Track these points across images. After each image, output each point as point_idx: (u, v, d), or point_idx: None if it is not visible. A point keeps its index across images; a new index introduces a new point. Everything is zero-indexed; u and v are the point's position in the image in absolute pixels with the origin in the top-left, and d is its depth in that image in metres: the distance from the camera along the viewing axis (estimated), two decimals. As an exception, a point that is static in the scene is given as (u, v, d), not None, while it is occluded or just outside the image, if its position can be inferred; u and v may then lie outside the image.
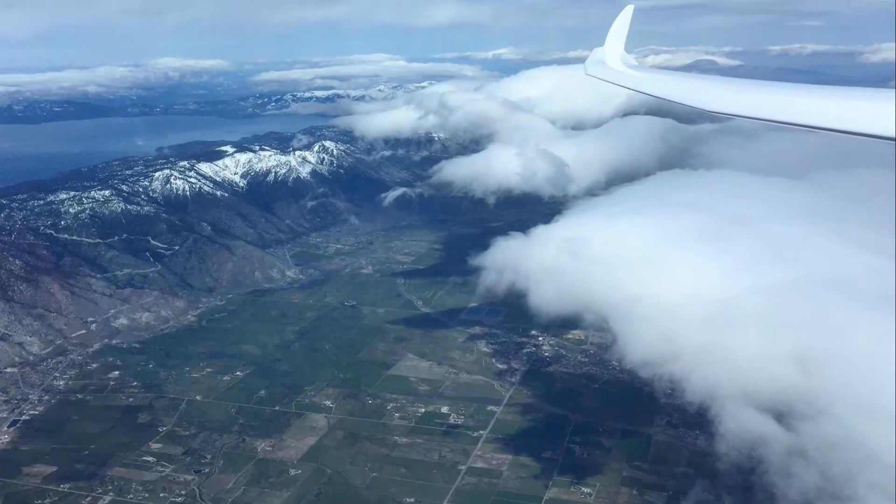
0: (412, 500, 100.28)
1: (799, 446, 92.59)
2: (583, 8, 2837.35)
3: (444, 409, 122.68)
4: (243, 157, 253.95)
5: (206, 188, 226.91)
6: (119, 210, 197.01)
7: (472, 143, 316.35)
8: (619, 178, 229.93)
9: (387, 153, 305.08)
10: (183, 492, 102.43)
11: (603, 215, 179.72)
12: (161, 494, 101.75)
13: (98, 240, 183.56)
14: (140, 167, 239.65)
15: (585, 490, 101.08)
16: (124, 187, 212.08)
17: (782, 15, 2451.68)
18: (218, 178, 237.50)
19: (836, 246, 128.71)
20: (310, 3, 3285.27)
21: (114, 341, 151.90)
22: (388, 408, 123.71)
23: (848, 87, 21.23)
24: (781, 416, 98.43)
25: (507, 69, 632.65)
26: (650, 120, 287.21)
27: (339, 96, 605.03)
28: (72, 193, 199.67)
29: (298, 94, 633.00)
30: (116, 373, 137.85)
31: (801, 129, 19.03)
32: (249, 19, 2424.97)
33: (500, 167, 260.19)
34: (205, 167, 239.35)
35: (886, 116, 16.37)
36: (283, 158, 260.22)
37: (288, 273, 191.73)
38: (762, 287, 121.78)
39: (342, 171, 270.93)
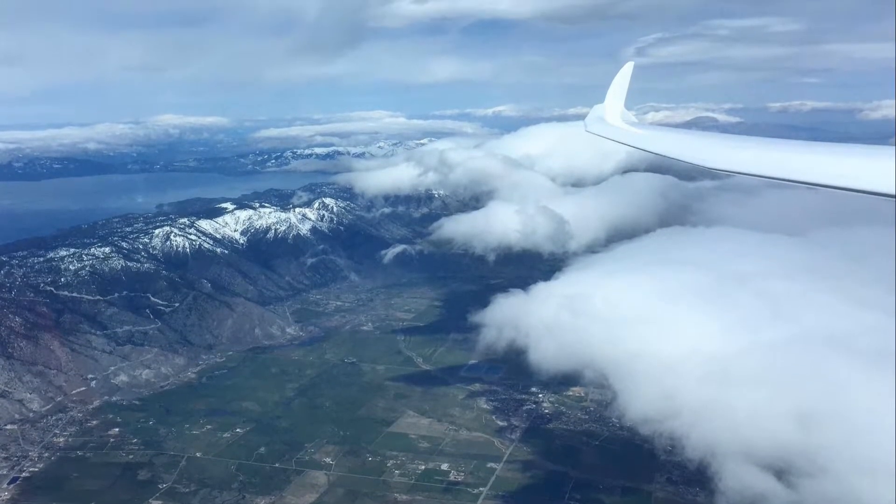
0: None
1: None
2: (582, 65, 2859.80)
3: (445, 467, 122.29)
4: (243, 214, 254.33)
5: (206, 245, 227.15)
6: (119, 267, 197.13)
7: (473, 200, 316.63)
8: (619, 235, 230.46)
9: (387, 210, 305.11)
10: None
11: (603, 272, 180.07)
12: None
13: (98, 297, 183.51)
14: (140, 224, 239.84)
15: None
16: (124, 244, 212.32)
17: (782, 72, 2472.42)
18: (218, 235, 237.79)
19: (836, 303, 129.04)
20: (310, 61, 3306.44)
21: (114, 398, 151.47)
22: (389, 465, 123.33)
23: (848, 144, 21.35)
24: (781, 473, 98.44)
25: (508, 126, 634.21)
26: (650, 177, 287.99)
27: (339, 153, 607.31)
28: (72, 250, 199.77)
29: (298, 151, 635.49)
30: (116, 430, 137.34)
31: (800, 186, 19.14)
32: (250, 76, 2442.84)
33: (500, 224, 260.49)
34: (205, 224, 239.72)
35: (886, 174, 16.42)
36: (284, 215, 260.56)
37: (288, 330, 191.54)
38: (762, 344, 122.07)
39: (342, 228, 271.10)
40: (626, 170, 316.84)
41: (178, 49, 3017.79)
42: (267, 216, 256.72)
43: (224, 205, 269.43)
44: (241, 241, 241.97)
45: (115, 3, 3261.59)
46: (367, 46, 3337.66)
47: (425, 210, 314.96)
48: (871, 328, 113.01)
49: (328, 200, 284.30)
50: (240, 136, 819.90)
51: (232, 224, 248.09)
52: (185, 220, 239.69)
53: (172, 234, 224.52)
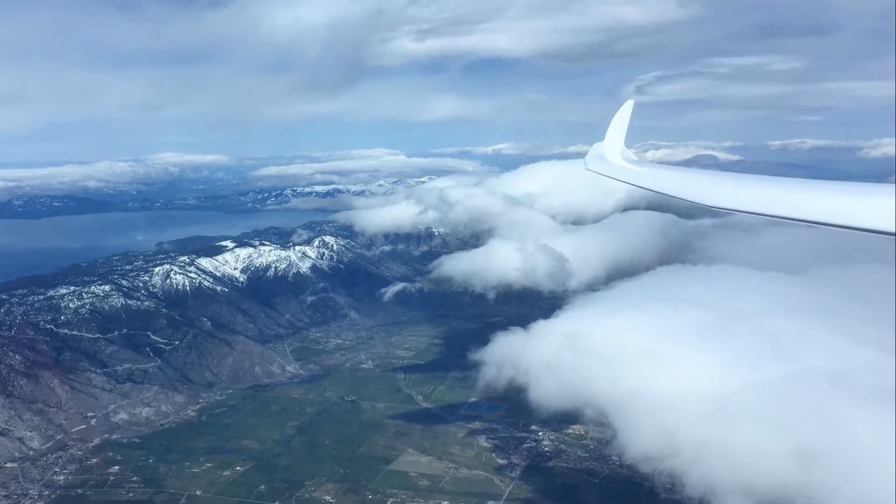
0: None
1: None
2: (582, 103, 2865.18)
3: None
4: (243, 252, 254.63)
5: (206, 283, 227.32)
6: (119, 305, 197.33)
7: (473, 238, 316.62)
8: (619, 273, 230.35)
9: (387, 248, 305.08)
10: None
11: (603, 310, 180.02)
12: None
13: (98, 335, 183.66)
14: (140, 262, 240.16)
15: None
16: (124, 282, 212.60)
17: (782, 110, 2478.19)
18: (218, 273, 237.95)
19: (836, 341, 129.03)
20: (310, 99, 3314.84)
21: (114, 436, 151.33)
22: (389, 503, 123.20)
23: (848, 182, 21.49)
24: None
25: (508, 164, 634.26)
26: (650, 215, 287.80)
27: (339, 191, 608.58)
28: (72, 288, 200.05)
29: (298, 189, 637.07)
30: (116, 468, 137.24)
31: (800, 224, 19.22)
32: (249, 114, 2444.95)
33: (500, 262, 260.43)
34: (205, 262, 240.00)
35: (886, 211, 16.49)
36: (284, 253, 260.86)
37: (288, 368, 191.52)
38: (762, 382, 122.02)
39: (342, 265, 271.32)
40: (626, 208, 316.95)
41: (178, 87, 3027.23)
42: (267, 254, 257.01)
43: (224, 243, 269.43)
44: (241, 279, 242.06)
45: (114, 42, 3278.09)
46: (367, 84, 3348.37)
47: (425, 248, 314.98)
48: (871, 366, 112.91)
49: (328, 238, 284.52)
50: (240, 174, 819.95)
51: (232, 262, 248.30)
52: (185, 258, 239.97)
53: (172, 272, 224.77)
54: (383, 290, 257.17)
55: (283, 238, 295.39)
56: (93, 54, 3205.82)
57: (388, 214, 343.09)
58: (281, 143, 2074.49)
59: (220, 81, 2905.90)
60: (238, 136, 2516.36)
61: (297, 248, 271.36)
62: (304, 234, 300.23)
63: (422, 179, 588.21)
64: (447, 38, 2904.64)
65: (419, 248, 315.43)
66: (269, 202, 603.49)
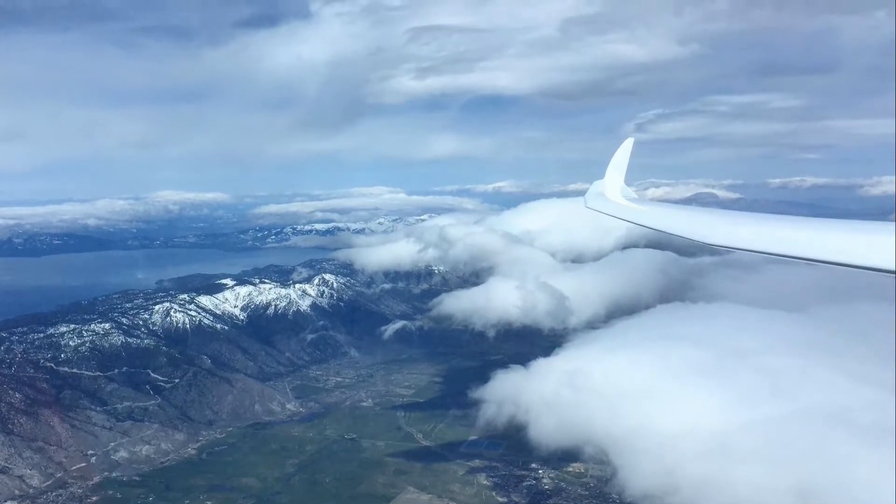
0: None
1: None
2: (582, 141, 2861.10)
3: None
4: (243, 290, 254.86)
5: (206, 321, 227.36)
6: (119, 343, 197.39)
7: (473, 275, 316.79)
8: (619, 311, 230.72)
9: (387, 286, 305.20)
10: None
11: (603, 348, 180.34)
12: None
13: (98, 373, 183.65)
14: (140, 300, 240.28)
15: None
16: (124, 320, 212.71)
17: (782, 148, 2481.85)
18: (218, 311, 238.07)
19: (836, 379, 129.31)
20: (309, 137, 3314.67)
21: (114, 474, 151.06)
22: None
23: (848, 220, 21.56)
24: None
25: (507, 202, 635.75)
26: (650, 253, 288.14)
27: (339, 229, 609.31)
28: (72, 326, 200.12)
29: (298, 227, 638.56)
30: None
31: (800, 262, 19.36)
32: (249, 152, 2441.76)
33: (499, 300, 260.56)
34: (205, 300, 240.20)
35: (886, 250, 16.52)
36: (284, 291, 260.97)
37: (288, 406, 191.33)
38: (762, 420, 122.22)
39: (342, 304, 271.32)
40: (626, 245, 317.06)
41: (178, 125, 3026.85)
42: (267, 292, 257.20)
43: (224, 281, 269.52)
44: (242, 317, 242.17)
45: (114, 80, 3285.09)
46: (367, 122, 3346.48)
47: (425, 286, 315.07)
48: (871, 404, 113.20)
49: (328, 276, 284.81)
50: (240, 212, 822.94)
51: (232, 300, 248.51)
52: (185, 295, 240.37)
53: (172, 309, 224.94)
54: (383, 328, 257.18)
55: (282, 276, 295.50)
56: (93, 92, 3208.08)
57: (388, 252, 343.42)
58: (281, 181, 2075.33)
59: (220, 119, 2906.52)
60: (238, 174, 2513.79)
61: (297, 286, 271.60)
62: (304, 272, 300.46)
63: (422, 217, 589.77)
64: (447, 75, 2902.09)
65: (419, 285, 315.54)
66: (269, 240, 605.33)
